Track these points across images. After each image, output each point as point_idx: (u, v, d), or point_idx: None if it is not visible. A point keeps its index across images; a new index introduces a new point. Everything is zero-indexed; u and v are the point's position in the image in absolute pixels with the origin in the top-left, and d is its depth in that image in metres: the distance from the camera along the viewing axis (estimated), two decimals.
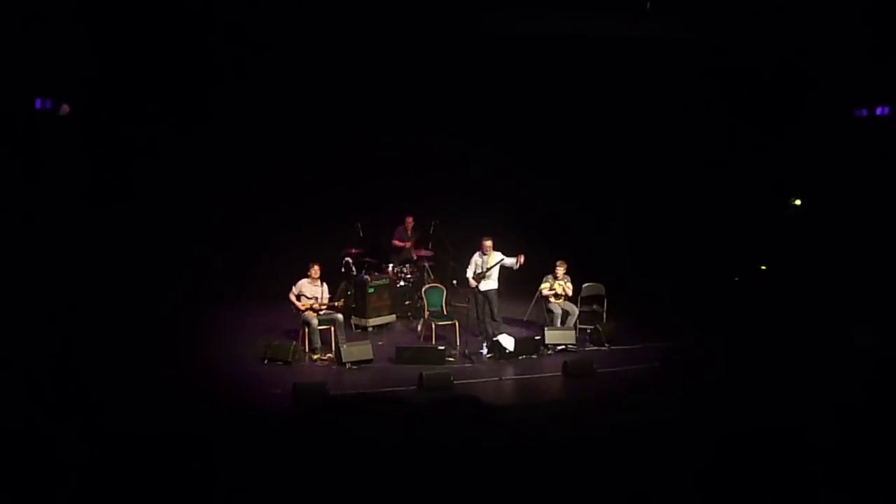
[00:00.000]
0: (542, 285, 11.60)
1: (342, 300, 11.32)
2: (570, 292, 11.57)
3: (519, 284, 13.02)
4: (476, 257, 11.15)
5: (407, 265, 12.83)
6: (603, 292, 12.05)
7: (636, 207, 14.68)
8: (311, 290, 10.82)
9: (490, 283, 11.09)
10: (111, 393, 8.23)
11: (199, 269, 12.85)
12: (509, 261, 10.88)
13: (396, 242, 13.14)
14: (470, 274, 11.15)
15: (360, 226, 12.44)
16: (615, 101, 14.16)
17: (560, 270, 11.52)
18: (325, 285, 10.93)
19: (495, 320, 11.17)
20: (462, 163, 14.00)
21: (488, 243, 11.01)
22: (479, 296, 11.11)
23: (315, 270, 10.79)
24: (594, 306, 11.99)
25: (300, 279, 10.84)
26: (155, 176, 12.42)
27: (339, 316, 10.80)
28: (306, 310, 10.71)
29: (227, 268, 13.11)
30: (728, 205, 13.79)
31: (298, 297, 10.75)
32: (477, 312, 11.19)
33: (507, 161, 14.28)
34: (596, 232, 14.88)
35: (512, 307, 12.94)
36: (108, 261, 11.83)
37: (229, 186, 12.83)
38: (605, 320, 11.75)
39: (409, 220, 13.17)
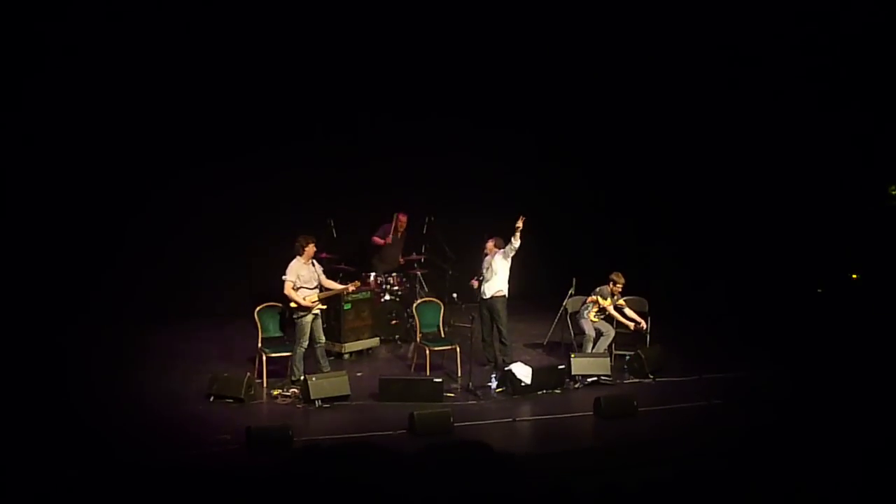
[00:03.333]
0: (602, 301, 11.49)
1: (355, 281, 11.29)
2: (622, 316, 11.59)
3: (538, 298, 13.04)
4: (484, 261, 11.24)
5: (394, 274, 12.84)
6: (646, 308, 12.04)
7: (687, 199, 14.71)
8: (308, 276, 10.57)
9: (494, 286, 11.04)
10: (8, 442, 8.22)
11: (124, 281, 12.88)
12: (513, 243, 10.83)
13: (375, 239, 13.11)
14: (476, 281, 11.23)
15: (332, 224, 12.42)
16: (657, 62, 14.23)
17: (620, 283, 11.49)
18: (318, 266, 10.78)
19: (504, 343, 11.18)
20: (466, 143, 14.05)
21: (489, 244, 11.08)
22: (484, 309, 11.15)
23: (312, 247, 10.54)
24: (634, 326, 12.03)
25: (291, 261, 10.48)
26: (65, 162, 12.44)
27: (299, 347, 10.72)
28: (303, 307, 10.41)
29: (161, 278, 13.13)
30: (808, 196, 13.80)
31: (300, 289, 10.47)
32: (483, 333, 11.21)
33: (522, 143, 14.37)
34: (635, 231, 14.91)
35: (529, 326, 12.96)
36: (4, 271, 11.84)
37: (162, 174, 12.85)
38: (648, 344, 11.75)
39: (403, 218, 13.08)
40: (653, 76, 14.41)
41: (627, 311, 11.59)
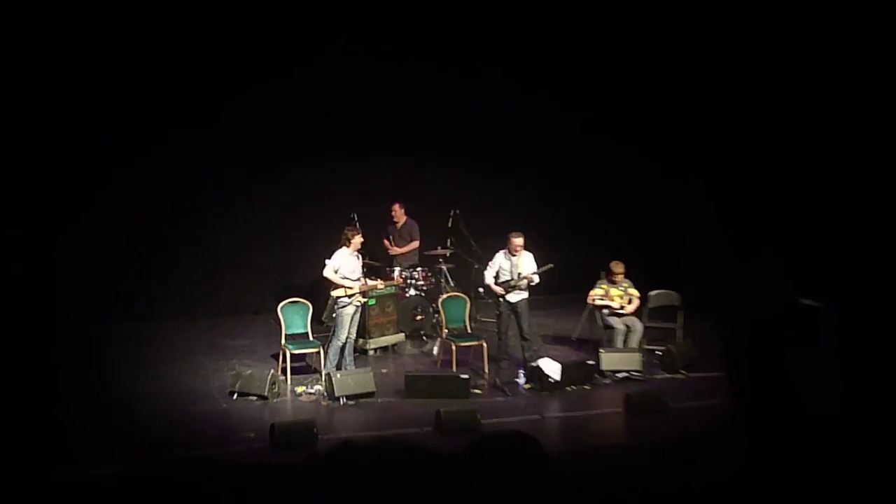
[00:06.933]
0: (593, 292, 11.61)
1: (397, 278, 11.76)
2: (636, 303, 11.59)
3: (566, 291, 13.02)
4: (500, 257, 11.09)
5: (419, 269, 12.86)
6: (677, 302, 12.01)
7: (721, 185, 14.55)
8: (353, 267, 10.65)
9: (521, 293, 11.08)
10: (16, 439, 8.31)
11: (147, 278, 12.98)
12: (532, 272, 10.95)
13: (390, 247, 13.15)
14: (490, 279, 11.11)
15: (356, 218, 12.45)
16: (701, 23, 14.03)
17: (617, 273, 11.54)
18: (360, 258, 10.86)
19: (526, 339, 11.15)
20: (490, 132, 14.04)
21: (519, 241, 10.96)
22: (505, 306, 11.12)
23: (358, 238, 10.64)
24: (665, 321, 12.01)
25: (338, 249, 10.58)
26: (92, 160, 12.53)
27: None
28: (350, 294, 10.51)
29: (184, 275, 13.22)
30: (851, 175, 13.61)
31: (341, 277, 10.53)
32: (499, 329, 11.18)
33: (546, 122, 14.33)
34: (666, 218, 14.82)
35: (557, 321, 12.93)
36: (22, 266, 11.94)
37: (188, 171, 12.91)
38: (680, 339, 11.72)
39: (396, 207, 13.05)
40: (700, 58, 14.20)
41: (613, 298, 11.58)
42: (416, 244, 13.06)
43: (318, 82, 13.37)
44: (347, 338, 10.65)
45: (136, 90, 12.48)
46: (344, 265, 10.58)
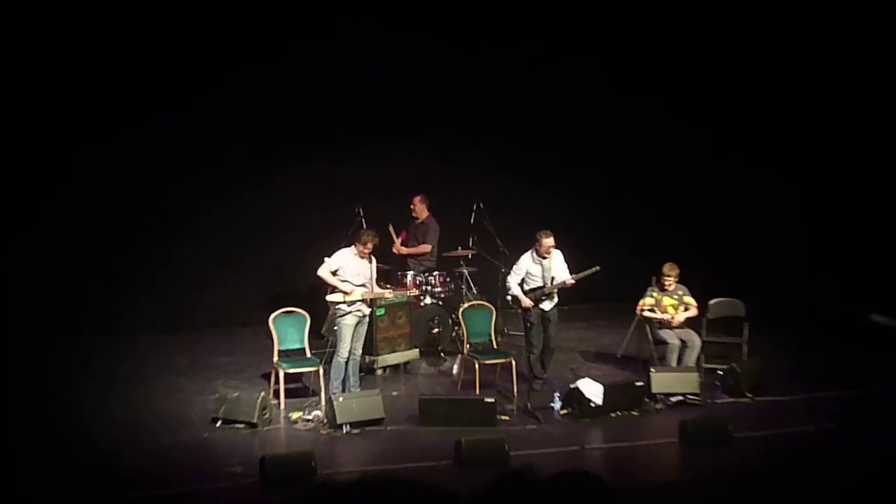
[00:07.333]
0: (642, 301, 11.53)
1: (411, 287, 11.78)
2: (693, 312, 11.46)
3: (610, 300, 12.94)
4: (528, 261, 11.09)
5: (436, 273, 12.81)
6: (742, 313, 11.93)
7: (794, 181, 14.45)
8: (358, 270, 10.60)
9: (552, 300, 11.14)
10: None
11: (117, 281, 12.99)
12: (566, 276, 10.97)
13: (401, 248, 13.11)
14: (517, 287, 11.11)
15: (361, 213, 12.45)
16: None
17: (670, 279, 11.42)
18: (374, 262, 10.78)
19: (549, 348, 11.22)
20: (516, 117, 13.99)
21: (550, 242, 10.97)
22: (535, 315, 11.13)
23: (363, 246, 10.52)
24: (728, 335, 11.92)
25: (339, 250, 10.62)
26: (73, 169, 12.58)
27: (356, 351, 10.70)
28: (351, 302, 10.48)
29: (159, 283, 13.23)
30: None
31: (339, 280, 10.50)
32: (530, 342, 11.19)
33: (581, 104, 14.33)
34: (730, 213, 14.71)
35: (600, 335, 12.85)
36: None
37: (165, 157, 12.93)
38: (745, 356, 11.61)
39: (416, 200, 12.99)
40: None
41: (666, 308, 11.52)
42: (425, 248, 12.94)
43: (319, 60, 13.39)
44: (350, 354, 10.59)
45: (107, 71, 12.55)
46: (346, 267, 10.50)
